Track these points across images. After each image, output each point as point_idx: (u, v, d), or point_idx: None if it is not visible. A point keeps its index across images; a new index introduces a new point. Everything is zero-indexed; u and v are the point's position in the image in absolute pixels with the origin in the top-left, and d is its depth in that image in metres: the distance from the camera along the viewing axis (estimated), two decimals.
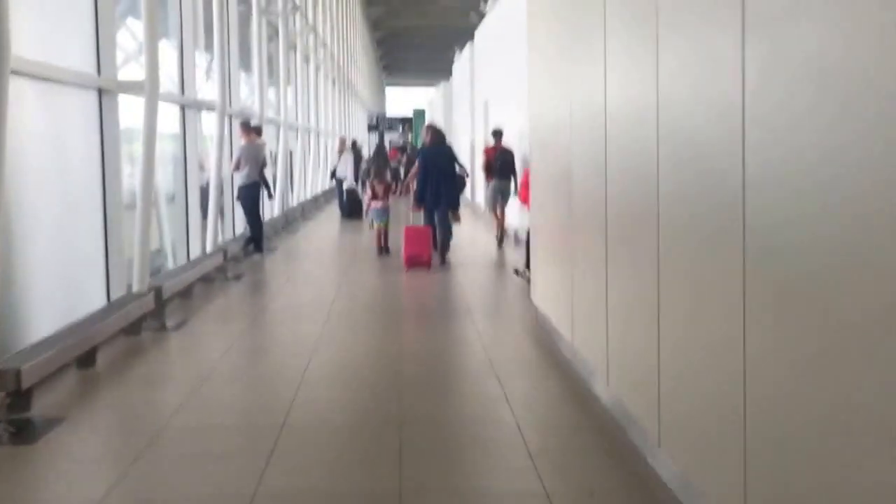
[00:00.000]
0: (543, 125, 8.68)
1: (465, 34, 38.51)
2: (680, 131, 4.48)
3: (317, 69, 29.70)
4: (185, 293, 11.30)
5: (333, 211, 26.51)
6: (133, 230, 9.65)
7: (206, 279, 12.46)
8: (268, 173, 16.58)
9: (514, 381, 7.24)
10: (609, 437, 5.81)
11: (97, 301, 9.07)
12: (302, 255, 16.64)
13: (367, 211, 16.69)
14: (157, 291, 9.70)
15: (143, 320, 9.26)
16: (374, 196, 15.76)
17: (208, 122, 14.54)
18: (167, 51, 13.23)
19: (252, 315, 10.66)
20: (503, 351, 8.45)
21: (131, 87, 9.83)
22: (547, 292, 8.66)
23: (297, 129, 25.04)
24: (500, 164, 16.42)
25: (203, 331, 9.66)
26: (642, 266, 5.17)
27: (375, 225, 15.82)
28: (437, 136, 15.14)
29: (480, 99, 24.76)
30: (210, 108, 14.11)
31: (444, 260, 14.05)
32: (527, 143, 15.96)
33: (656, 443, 4.91)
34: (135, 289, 9.51)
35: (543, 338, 8.74)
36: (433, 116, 46.10)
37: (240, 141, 15.70)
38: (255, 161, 15.35)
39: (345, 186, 24.05)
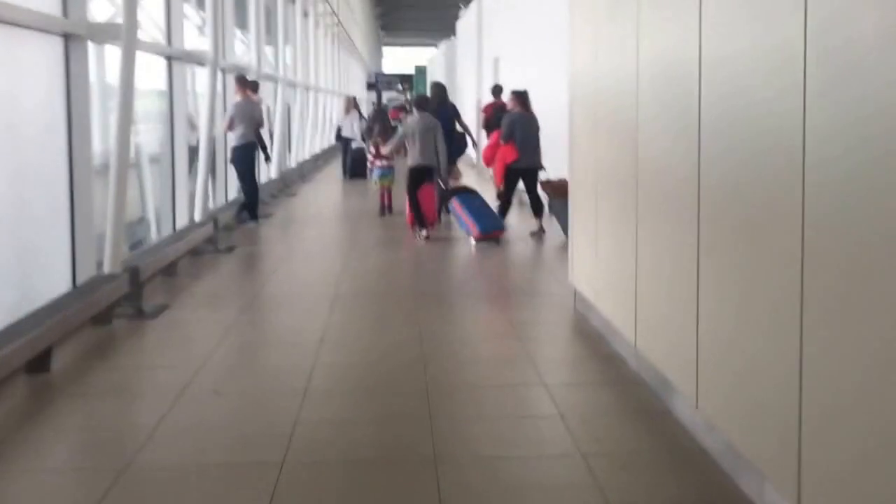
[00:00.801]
0: (593, 80, 7.15)
1: None
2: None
3: (316, 24, 28.04)
4: (169, 270, 9.85)
5: (334, 172, 25.19)
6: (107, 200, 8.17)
7: (194, 252, 10.98)
8: (264, 133, 15.06)
9: (567, 395, 5.79)
10: (715, 485, 4.36)
11: (61, 286, 7.59)
12: (301, 221, 15.11)
13: (370, 170, 16.04)
14: (133, 271, 8.25)
15: (115, 306, 7.80)
16: (378, 155, 15.18)
17: (203, 79, 12.99)
18: None
19: (245, 298, 9.09)
20: (546, 351, 7.00)
21: (104, 33, 8.31)
22: (594, 277, 7.19)
23: (295, 86, 23.45)
24: (497, 120, 14.85)
25: (186, 319, 8.14)
26: (765, 257, 3.82)
27: (378, 184, 15.29)
28: (438, 94, 14.67)
29: (489, 56, 23.17)
30: (200, 61, 12.54)
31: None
32: (547, 102, 15.06)
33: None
34: (106, 269, 8.04)
35: (589, 330, 7.31)
36: (434, 75, 44.39)
37: (234, 97, 14.17)
38: (250, 119, 13.82)
39: (353, 146, 22.37)
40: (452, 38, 40.75)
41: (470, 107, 25.67)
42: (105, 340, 7.32)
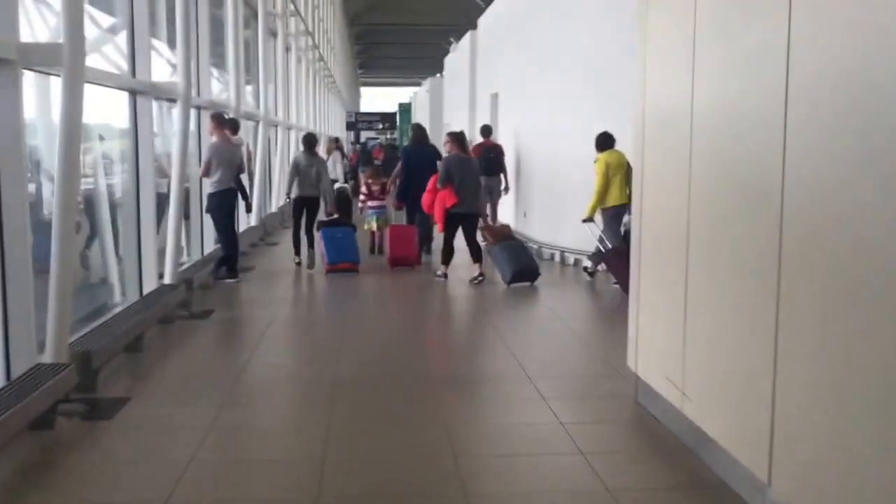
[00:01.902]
0: (684, 113, 5.43)
1: (451, 31, 35.60)
2: None
3: (297, 59, 26.38)
4: (134, 345, 8.07)
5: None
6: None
7: (164, 320, 9.22)
8: (245, 178, 13.33)
9: None
10: None
11: None
12: (286, 274, 13.26)
13: (361, 210, 15.33)
14: (83, 358, 6.50)
15: (60, 404, 6.02)
16: (370, 195, 14.81)
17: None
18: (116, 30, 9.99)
19: (223, 385, 7.16)
20: (622, 477, 5.20)
21: (41, 56, 6.52)
22: (679, 369, 5.46)
23: (277, 126, 21.72)
24: (486, 162, 15.45)
25: (149, 418, 6.30)
26: None
27: (367, 225, 14.88)
28: (420, 135, 14.53)
29: (485, 92, 21.52)
30: (170, 96, 10.77)
31: (419, 260, 13.26)
32: (569, 141, 13.44)
33: None
34: (49, 359, 6.27)
35: (669, 441, 5.59)
36: (418, 113, 42.81)
37: (210, 138, 12.44)
38: (229, 164, 12.10)
39: (335, 186, 20.60)
40: (438, 75, 39.21)
41: None
42: (44, 452, 5.56)
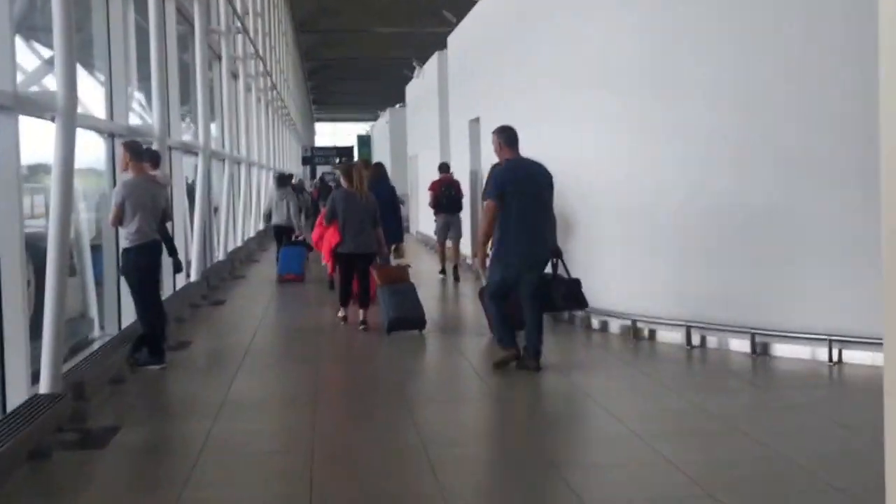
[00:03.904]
0: None
1: (404, 64, 32.41)
2: None
3: (248, 89, 22.78)
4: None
5: (272, 258, 19.89)
6: None
7: (37, 454, 5.60)
8: (174, 227, 9.73)
9: None
10: None
11: None
12: (234, 354, 9.42)
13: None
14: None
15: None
16: None
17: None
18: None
19: None
20: None
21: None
22: None
23: (225, 160, 18.06)
24: (446, 199, 15.50)
25: None
26: None
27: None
28: (377, 173, 12.94)
29: (462, 117, 17.93)
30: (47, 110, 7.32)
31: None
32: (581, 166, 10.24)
33: None
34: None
35: None
36: (378, 146, 39.27)
37: (123, 175, 8.81)
38: (149, 208, 8.49)
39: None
40: (398, 105, 35.73)
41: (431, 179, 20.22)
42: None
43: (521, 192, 7.94)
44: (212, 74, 18.28)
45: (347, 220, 10.44)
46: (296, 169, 41.77)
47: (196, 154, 14.31)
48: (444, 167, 16.50)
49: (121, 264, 8.73)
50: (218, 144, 18.26)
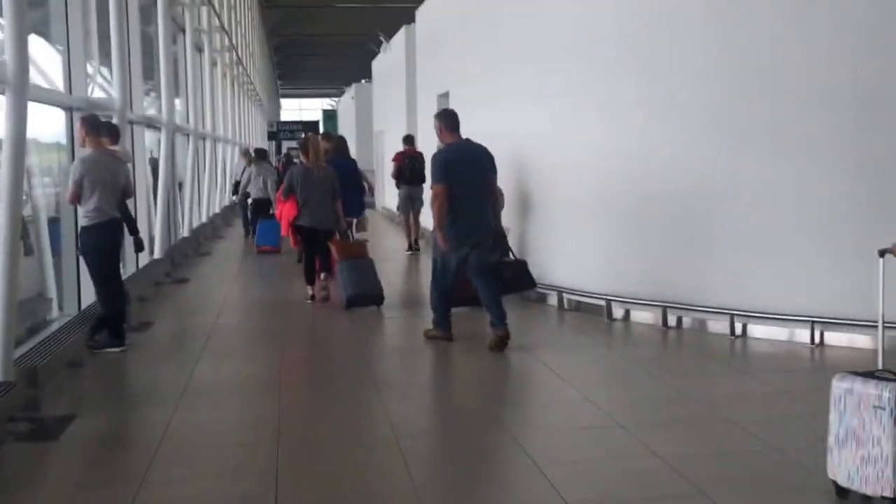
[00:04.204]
0: None
1: (370, 39, 31.92)
2: None
3: (213, 62, 22.23)
4: None
5: (238, 234, 20.08)
6: None
7: None
8: (136, 203, 9.34)
9: None
10: None
11: None
12: (198, 334, 9.16)
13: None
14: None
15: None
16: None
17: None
18: None
19: None
20: None
21: None
22: None
23: (189, 135, 17.59)
24: (409, 171, 15.48)
25: None
26: None
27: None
28: (340, 147, 12.44)
29: (431, 92, 17.57)
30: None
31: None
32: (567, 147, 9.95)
33: None
34: None
35: None
36: (344, 121, 38.76)
37: (81, 149, 8.42)
38: (109, 185, 8.11)
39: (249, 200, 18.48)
40: (364, 81, 35.25)
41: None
42: None
43: (464, 175, 7.91)
44: (176, 48, 17.80)
45: (306, 195, 10.29)
46: (262, 143, 41.11)
47: (159, 129, 13.86)
48: (408, 139, 16.47)
49: (79, 244, 8.34)
50: (183, 119, 17.85)
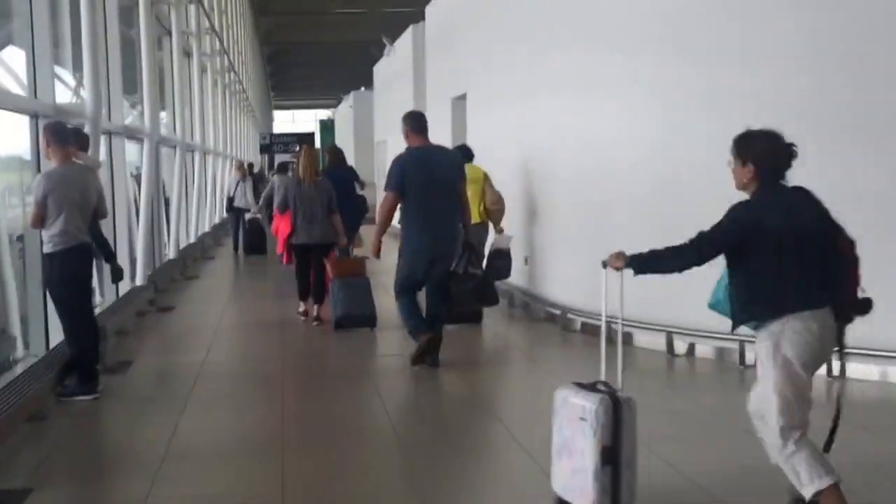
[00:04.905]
0: None
1: (367, 47, 30.99)
2: None
3: (202, 69, 21.12)
4: None
5: (227, 252, 19.18)
6: None
7: None
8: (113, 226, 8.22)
9: None
10: None
11: None
12: (182, 381, 7.86)
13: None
14: None
15: None
16: None
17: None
18: None
19: None
20: None
21: None
22: None
23: (176, 147, 16.43)
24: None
25: None
26: None
27: None
28: (335, 157, 12.36)
29: (442, 96, 16.45)
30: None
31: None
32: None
33: None
34: None
35: None
36: (342, 131, 37.70)
37: (47, 162, 7.30)
38: (76, 203, 6.98)
39: (247, 216, 18.22)
40: (363, 88, 34.19)
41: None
42: None
43: (424, 184, 7.57)
44: (162, 53, 16.71)
45: (298, 209, 9.95)
46: (254, 157, 39.99)
47: (141, 140, 12.74)
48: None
49: (44, 274, 7.20)
50: (169, 130, 16.74)
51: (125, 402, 7.21)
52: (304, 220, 9.91)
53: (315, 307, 10.13)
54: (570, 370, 7.20)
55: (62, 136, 7.12)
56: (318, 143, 39.38)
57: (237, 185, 18.45)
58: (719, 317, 4.55)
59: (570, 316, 9.42)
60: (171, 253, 15.07)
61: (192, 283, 14.48)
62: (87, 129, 8.60)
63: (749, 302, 4.22)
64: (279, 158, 39.24)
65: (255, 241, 17.90)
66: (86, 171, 7.26)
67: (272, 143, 41.67)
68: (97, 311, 10.10)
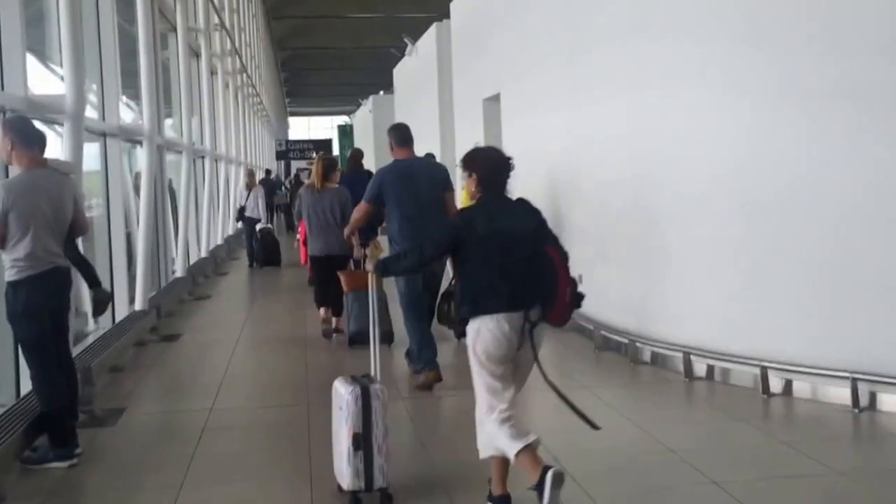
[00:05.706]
0: None
1: (383, 52, 29.80)
2: None
3: (212, 70, 19.76)
4: None
5: (242, 266, 17.88)
6: None
7: None
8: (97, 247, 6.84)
9: None
10: None
11: None
12: (184, 438, 6.39)
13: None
14: None
15: None
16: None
17: None
18: None
19: None
20: None
21: None
22: None
23: (182, 151, 15.01)
24: None
25: None
26: None
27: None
28: (355, 161, 12.72)
29: (471, 97, 15.01)
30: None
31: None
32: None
33: None
34: None
35: None
36: (361, 136, 36.37)
37: (10, 167, 5.90)
38: (47, 219, 5.61)
39: (258, 227, 17.52)
40: (381, 93, 32.87)
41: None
42: None
43: (404, 198, 7.46)
44: (167, 52, 15.38)
45: (311, 218, 9.83)
46: (270, 164, 38.70)
47: (141, 143, 11.34)
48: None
49: (8, 306, 5.76)
50: (176, 134, 15.36)
51: (110, 471, 5.75)
52: (318, 230, 9.77)
53: (334, 319, 9.94)
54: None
55: (27, 135, 5.70)
56: (336, 150, 38.11)
57: (249, 193, 17.15)
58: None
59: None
60: (178, 270, 13.62)
61: (203, 305, 13.01)
62: (65, 127, 7.17)
63: (461, 301, 4.56)
64: (295, 165, 38.13)
65: (269, 252, 17.21)
66: (59, 178, 5.83)
67: (288, 150, 40.48)
68: (89, 338, 8.74)
